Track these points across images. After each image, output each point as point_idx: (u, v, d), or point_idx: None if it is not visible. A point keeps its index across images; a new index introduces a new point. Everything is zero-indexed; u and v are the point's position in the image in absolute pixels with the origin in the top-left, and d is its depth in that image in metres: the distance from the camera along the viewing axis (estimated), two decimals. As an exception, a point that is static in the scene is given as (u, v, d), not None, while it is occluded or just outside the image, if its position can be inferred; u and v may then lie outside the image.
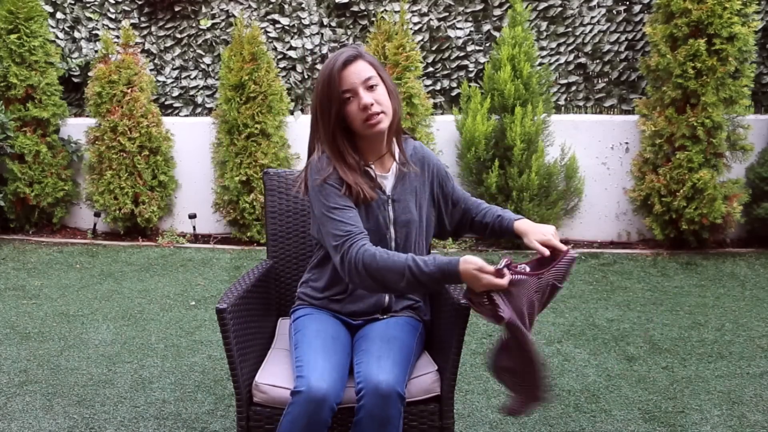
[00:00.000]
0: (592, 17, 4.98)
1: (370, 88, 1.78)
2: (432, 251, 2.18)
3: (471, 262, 1.62)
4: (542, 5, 4.99)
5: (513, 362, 1.69)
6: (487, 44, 5.07)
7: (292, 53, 5.24)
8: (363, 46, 1.88)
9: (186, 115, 5.41)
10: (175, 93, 5.43)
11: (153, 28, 5.39)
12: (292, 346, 1.90)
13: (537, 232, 1.83)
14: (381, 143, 1.88)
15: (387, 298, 1.96)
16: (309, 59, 5.23)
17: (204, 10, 5.30)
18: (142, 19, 5.39)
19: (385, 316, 1.97)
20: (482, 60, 5.08)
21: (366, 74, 1.78)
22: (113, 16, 5.39)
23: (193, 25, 5.33)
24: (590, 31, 5.00)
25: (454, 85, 5.13)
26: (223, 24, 5.29)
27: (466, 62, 5.11)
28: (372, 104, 1.76)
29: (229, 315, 1.81)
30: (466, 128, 4.53)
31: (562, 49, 5.04)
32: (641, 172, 4.54)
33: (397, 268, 1.67)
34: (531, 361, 1.66)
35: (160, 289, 4.00)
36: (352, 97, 1.77)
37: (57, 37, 5.40)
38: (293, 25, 5.21)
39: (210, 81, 5.37)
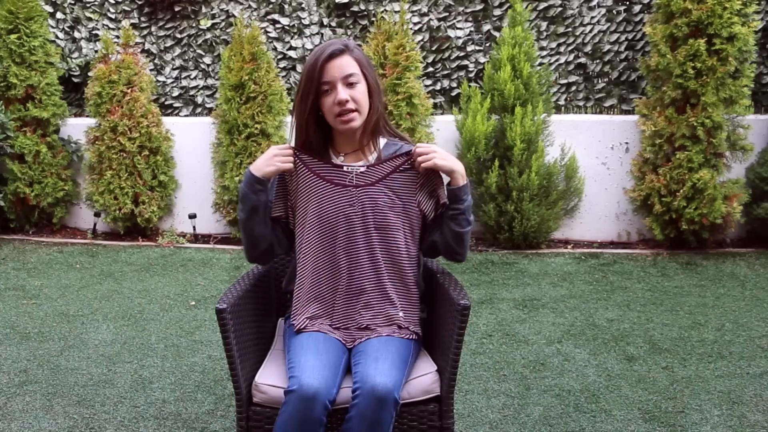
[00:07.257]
0: (592, 17, 4.98)
1: (350, 84, 1.81)
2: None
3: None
4: (542, 5, 4.99)
5: None
6: (487, 44, 5.07)
7: (292, 53, 5.24)
8: (353, 41, 1.87)
9: (186, 115, 5.41)
10: (175, 93, 5.43)
11: (153, 28, 5.39)
12: (286, 349, 1.93)
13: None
14: (353, 138, 1.91)
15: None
16: (309, 59, 5.23)
17: (204, 10, 5.30)
18: (142, 19, 5.39)
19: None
20: (482, 60, 5.07)
21: (348, 70, 1.80)
22: (113, 16, 5.39)
23: (193, 25, 5.33)
24: (590, 31, 5.00)
25: (454, 85, 5.13)
26: (223, 24, 5.29)
27: (466, 62, 5.11)
28: (347, 101, 1.80)
29: (228, 315, 1.82)
30: (466, 128, 4.53)
31: (562, 49, 5.04)
32: (641, 172, 4.54)
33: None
34: None
35: (160, 289, 4.00)
36: (330, 89, 1.81)
37: (57, 37, 5.40)
38: (293, 25, 5.21)
39: (210, 81, 5.37)
